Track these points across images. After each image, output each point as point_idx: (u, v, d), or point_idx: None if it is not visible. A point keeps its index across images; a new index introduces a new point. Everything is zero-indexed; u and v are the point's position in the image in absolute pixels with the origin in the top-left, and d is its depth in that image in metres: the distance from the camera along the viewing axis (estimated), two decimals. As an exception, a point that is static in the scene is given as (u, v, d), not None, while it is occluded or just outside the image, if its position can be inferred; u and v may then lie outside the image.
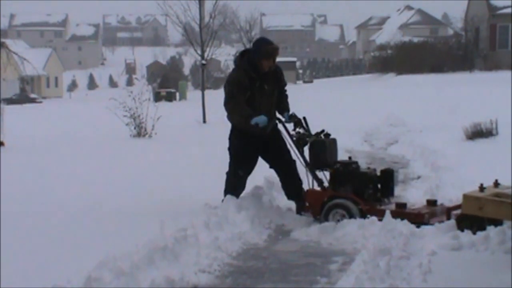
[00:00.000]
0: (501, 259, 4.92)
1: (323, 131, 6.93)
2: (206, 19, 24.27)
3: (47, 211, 6.76)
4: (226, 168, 7.08)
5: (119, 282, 4.51)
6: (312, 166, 6.82)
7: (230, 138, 7.00)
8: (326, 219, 6.41)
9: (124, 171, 9.68)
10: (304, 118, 7.04)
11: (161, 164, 10.55)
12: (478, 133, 12.33)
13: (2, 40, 28.59)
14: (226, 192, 6.92)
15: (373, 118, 18.72)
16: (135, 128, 15.72)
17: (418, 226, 5.92)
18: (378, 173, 6.74)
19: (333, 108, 23.22)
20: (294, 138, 6.90)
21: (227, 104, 6.79)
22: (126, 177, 9.07)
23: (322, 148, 6.77)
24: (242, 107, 6.69)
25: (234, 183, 6.93)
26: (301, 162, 6.89)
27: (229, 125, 7.03)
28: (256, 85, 6.77)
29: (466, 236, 5.50)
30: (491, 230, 5.43)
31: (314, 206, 6.58)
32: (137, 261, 4.83)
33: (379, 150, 13.90)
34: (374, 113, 20.18)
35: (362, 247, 5.59)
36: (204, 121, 21.86)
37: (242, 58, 6.83)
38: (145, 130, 15.68)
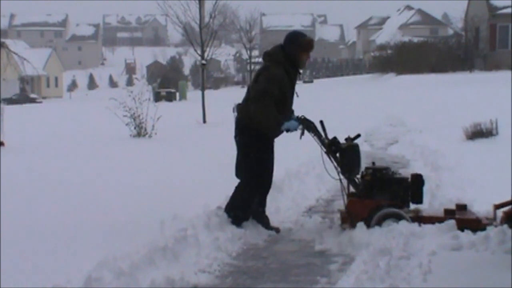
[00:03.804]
0: (501, 259, 4.91)
1: (359, 135, 6.54)
2: (206, 19, 24.25)
3: (47, 211, 6.75)
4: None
5: (119, 282, 4.51)
6: (350, 174, 6.36)
7: (246, 142, 6.39)
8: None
9: (124, 171, 9.67)
10: (321, 122, 6.58)
11: (161, 164, 10.54)
12: (478, 133, 12.34)
13: (2, 40, 28.58)
14: (249, 197, 6.39)
15: (373, 118, 18.74)
16: (135, 128, 15.71)
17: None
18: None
19: (333, 108, 23.20)
20: (326, 143, 6.42)
21: (261, 101, 6.13)
22: (126, 177, 9.07)
23: (357, 153, 6.38)
24: (274, 111, 6.17)
25: (257, 185, 6.43)
26: (335, 168, 6.39)
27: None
28: (291, 86, 6.33)
29: (466, 236, 5.49)
30: (491, 230, 5.43)
31: (358, 216, 6.14)
32: (137, 261, 4.83)
33: (379, 150, 13.90)
34: (374, 113, 20.19)
35: (362, 247, 5.59)
36: (204, 121, 21.85)
37: (281, 54, 6.30)
38: (145, 130, 15.68)
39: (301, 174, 9.21)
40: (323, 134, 6.53)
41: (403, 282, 4.50)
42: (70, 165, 10.33)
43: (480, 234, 5.44)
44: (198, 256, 5.37)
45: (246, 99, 6.47)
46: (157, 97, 43.74)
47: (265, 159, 6.43)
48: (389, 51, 49.97)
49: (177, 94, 50.52)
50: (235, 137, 6.54)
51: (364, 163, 6.74)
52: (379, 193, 6.24)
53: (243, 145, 6.45)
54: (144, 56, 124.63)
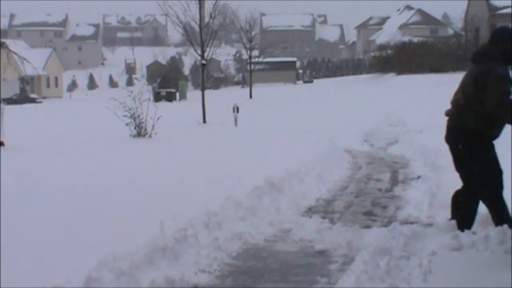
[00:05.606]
0: (501, 259, 4.91)
1: None
2: (206, 19, 24.32)
3: (47, 211, 6.75)
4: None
5: (119, 282, 4.51)
6: None
7: (470, 151, 6.16)
8: None
9: (124, 171, 9.67)
10: None
11: (161, 164, 10.54)
12: (478, 133, 12.33)
13: (2, 40, 28.58)
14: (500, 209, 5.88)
15: (373, 118, 18.74)
16: (135, 128, 15.72)
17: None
18: None
19: (333, 108, 23.19)
20: None
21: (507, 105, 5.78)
22: (125, 177, 9.06)
23: None
24: None
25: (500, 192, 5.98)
26: None
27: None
28: None
29: (466, 236, 5.50)
30: (491, 230, 5.43)
31: None
32: (137, 261, 4.83)
33: (379, 150, 13.90)
34: (374, 113, 20.20)
35: (362, 247, 5.59)
36: (204, 121, 21.86)
37: (497, 53, 5.88)
38: (145, 130, 15.68)
39: (301, 174, 9.20)
40: None
41: (403, 282, 4.50)
42: (70, 165, 10.33)
43: (480, 234, 5.44)
44: (198, 256, 5.37)
45: (461, 105, 6.14)
46: (157, 97, 43.81)
47: (497, 165, 6.22)
48: (389, 51, 50.05)
49: (177, 94, 50.60)
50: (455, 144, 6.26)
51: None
52: None
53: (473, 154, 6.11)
54: (144, 56, 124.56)
